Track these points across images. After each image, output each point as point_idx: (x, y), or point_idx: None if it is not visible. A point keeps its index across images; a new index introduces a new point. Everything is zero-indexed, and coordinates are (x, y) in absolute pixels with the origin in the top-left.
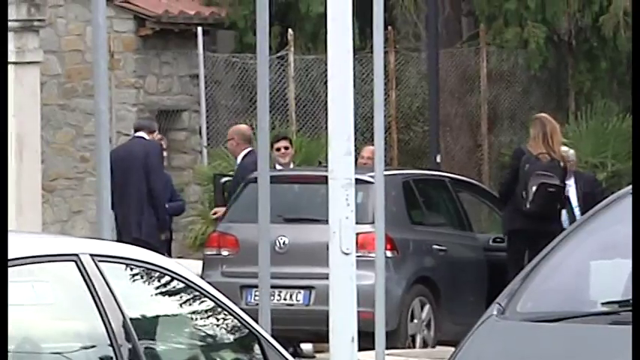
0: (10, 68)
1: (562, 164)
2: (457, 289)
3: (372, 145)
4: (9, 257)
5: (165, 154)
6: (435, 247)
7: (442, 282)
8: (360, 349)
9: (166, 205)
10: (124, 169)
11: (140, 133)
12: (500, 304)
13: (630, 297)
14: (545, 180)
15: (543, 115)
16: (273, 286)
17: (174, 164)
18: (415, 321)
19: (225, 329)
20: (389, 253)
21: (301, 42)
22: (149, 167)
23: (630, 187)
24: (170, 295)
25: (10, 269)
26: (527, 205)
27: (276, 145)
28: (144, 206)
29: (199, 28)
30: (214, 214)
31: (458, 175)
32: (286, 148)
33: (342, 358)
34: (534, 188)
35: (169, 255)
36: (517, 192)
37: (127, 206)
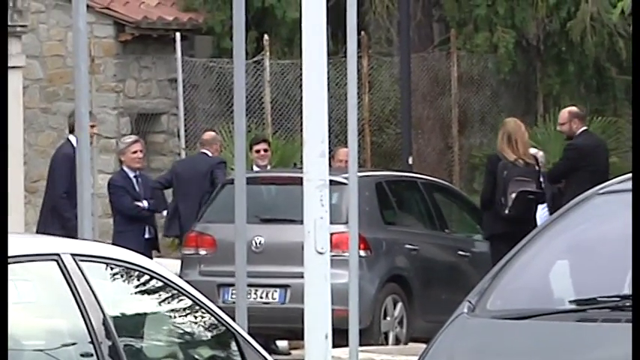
0: None
1: (537, 168)
2: (429, 287)
3: (346, 147)
4: None
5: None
6: (408, 246)
7: (414, 280)
8: (334, 346)
9: (145, 203)
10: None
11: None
12: (470, 302)
13: (596, 295)
14: (524, 187)
15: (508, 119)
16: (249, 285)
17: (153, 166)
18: (388, 318)
19: (203, 327)
20: (362, 253)
21: (277, 47)
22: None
23: (597, 188)
24: (149, 294)
25: None
26: (507, 211)
27: (256, 147)
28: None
29: (177, 34)
30: None
31: (429, 176)
32: (265, 150)
33: (317, 354)
34: (514, 195)
35: (158, 250)
36: (496, 198)
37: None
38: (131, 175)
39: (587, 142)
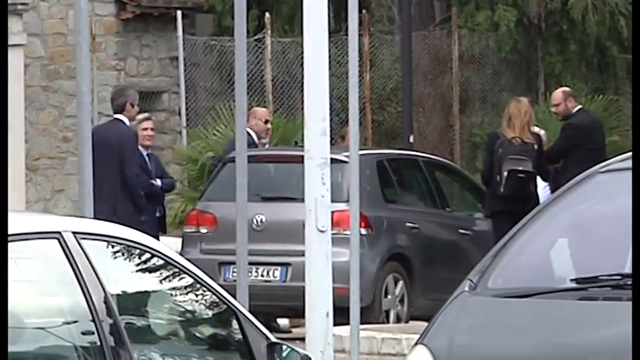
0: None
1: (536, 147)
2: (430, 265)
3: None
4: None
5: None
6: (408, 224)
7: (415, 259)
8: (335, 324)
9: (158, 182)
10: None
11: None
12: (471, 281)
13: (597, 274)
14: (515, 166)
15: (515, 98)
16: (250, 263)
17: (154, 144)
18: (389, 297)
19: (204, 305)
20: (363, 231)
21: (278, 25)
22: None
23: (598, 166)
24: (150, 272)
25: None
26: (502, 189)
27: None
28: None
29: (179, 12)
30: None
31: (431, 154)
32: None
33: (318, 332)
34: (505, 173)
35: (164, 231)
36: (493, 175)
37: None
38: (144, 153)
39: (584, 121)
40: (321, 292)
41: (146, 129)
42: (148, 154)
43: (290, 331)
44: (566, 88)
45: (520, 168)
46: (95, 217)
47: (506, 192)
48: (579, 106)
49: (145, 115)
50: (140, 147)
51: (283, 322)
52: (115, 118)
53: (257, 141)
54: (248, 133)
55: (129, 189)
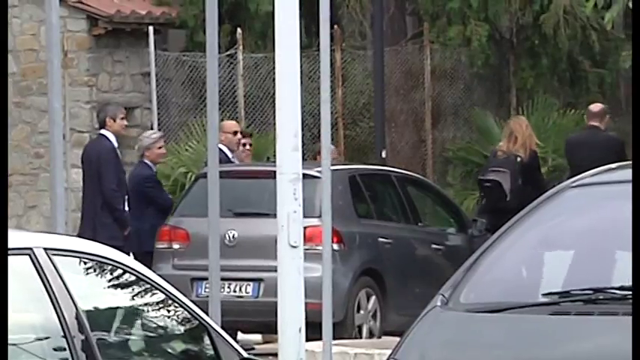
0: None
1: (519, 159)
2: (403, 280)
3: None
4: None
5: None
6: (381, 239)
7: (388, 274)
8: (308, 340)
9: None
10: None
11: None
12: (443, 295)
13: (570, 288)
14: (483, 176)
15: (514, 116)
16: (222, 279)
17: (126, 160)
18: (362, 312)
19: (176, 321)
20: (336, 246)
21: (250, 40)
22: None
23: (570, 181)
24: (122, 288)
25: None
26: (483, 201)
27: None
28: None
29: (150, 28)
30: None
31: (403, 169)
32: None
33: (290, 348)
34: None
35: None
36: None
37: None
38: (154, 169)
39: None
40: (293, 308)
41: (161, 147)
42: (155, 171)
43: (253, 348)
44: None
45: (490, 177)
46: (80, 231)
47: (484, 203)
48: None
49: (159, 133)
50: (150, 163)
51: (250, 337)
52: (99, 134)
53: (230, 155)
54: (220, 149)
55: (107, 204)
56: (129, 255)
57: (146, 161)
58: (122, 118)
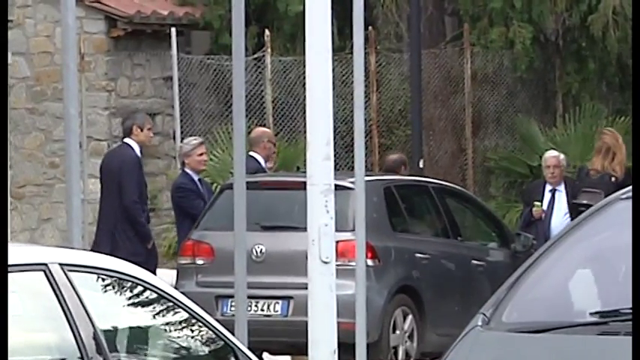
0: None
1: (613, 179)
2: (441, 298)
3: (395, 154)
4: None
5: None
6: (418, 255)
7: (425, 291)
8: None
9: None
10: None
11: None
12: (485, 315)
13: (619, 307)
14: (588, 199)
15: (605, 129)
16: (249, 297)
17: (147, 170)
18: (397, 332)
19: (200, 341)
20: (370, 262)
21: (279, 43)
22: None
23: (619, 192)
24: (143, 306)
25: None
26: None
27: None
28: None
29: (173, 29)
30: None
31: (442, 180)
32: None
33: None
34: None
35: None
36: None
37: None
38: (195, 178)
39: None
40: (325, 328)
41: (202, 154)
42: (199, 179)
43: None
44: None
45: (584, 202)
46: (95, 246)
47: None
48: None
49: (199, 139)
50: (190, 171)
51: (273, 358)
52: (123, 142)
53: (264, 164)
54: (254, 158)
55: (128, 217)
56: (154, 270)
57: (187, 170)
58: (149, 129)
